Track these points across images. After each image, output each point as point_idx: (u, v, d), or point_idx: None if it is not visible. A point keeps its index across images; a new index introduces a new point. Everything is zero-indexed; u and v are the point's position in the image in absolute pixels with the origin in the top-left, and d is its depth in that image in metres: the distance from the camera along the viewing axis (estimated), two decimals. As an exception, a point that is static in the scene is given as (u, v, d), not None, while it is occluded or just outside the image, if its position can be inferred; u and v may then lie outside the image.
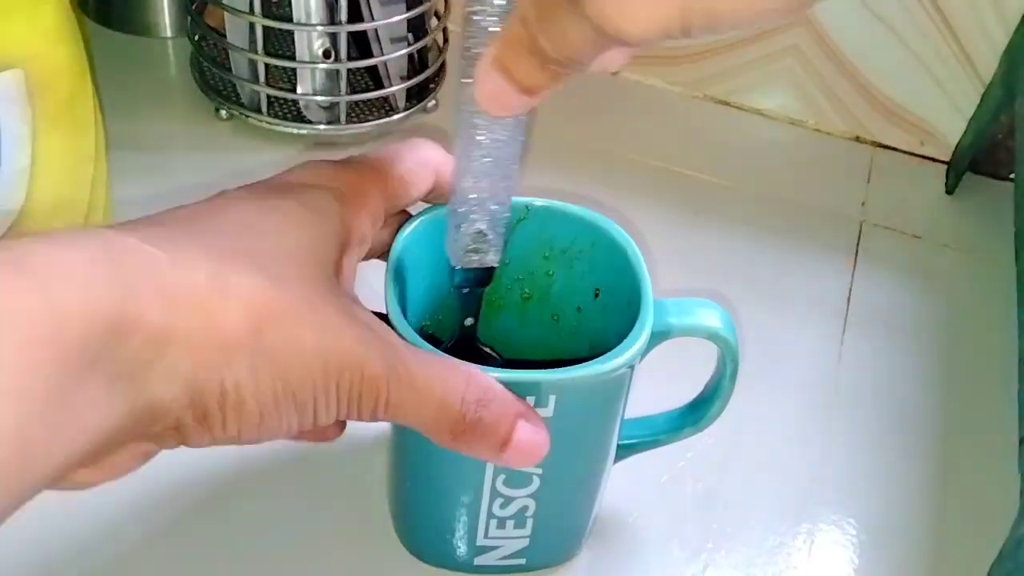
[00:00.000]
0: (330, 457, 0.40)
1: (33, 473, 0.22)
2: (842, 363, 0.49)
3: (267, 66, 0.56)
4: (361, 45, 0.57)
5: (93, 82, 0.45)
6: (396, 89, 0.57)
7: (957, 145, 0.60)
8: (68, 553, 0.38)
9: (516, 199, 0.34)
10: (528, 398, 0.30)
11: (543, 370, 0.31)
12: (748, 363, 0.47)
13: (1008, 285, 0.54)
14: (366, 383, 0.27)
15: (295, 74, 0.56)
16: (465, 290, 0.34)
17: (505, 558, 0.36)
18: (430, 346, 0.30)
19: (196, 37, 0.59)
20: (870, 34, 0.59)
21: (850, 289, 0.53)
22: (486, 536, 0.35)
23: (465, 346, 0.37)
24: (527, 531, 0.35)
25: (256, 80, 0.56)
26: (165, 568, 0.37)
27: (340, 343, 0.27)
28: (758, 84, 0.63)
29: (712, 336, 0.35)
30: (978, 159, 0.59)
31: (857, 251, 0.55)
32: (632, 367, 0.32)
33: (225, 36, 0.55)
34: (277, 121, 0.56)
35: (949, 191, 0.60)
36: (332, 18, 0.54)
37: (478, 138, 0.29)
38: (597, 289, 0.37)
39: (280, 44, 0.59)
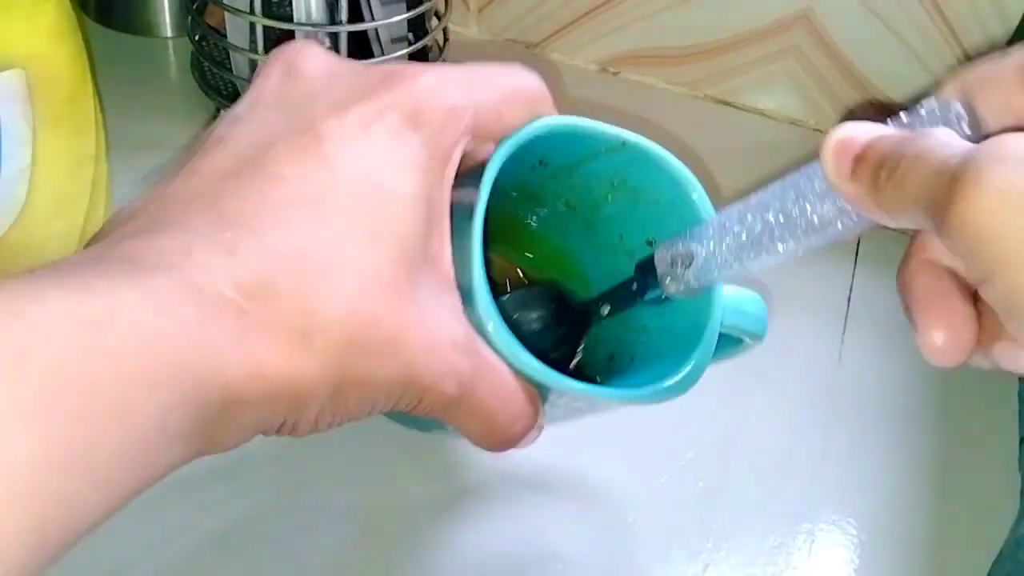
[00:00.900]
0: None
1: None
2: (842, 363, 0.49)
3: (267, 66, 0.55)
4: (361, 45, 0.57)
5: (93, 82, 0.45)
6: (396, 89, 0.57)
7: (957, 145, 0.60)
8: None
9: (611, 129, 0.34)
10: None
11: (601, 387, 0.30)
12: (748, 363, 0.47)
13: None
14: (436, 404, 0.26)
15: (295, 74, 0.56)
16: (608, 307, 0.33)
17: None
18: (518, 345, 0.28)
19: (196, 37, 0.59)
20: (870, 34, 0.59)
21: (850, 289, 0.53)
22: None
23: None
24: None
25: (256, 80, 0.56)
26: None
27: (421, 370, 0.25)
28: (758, 84, 0.63)
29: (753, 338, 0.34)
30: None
31: (857, 251, 0.55)
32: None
33: (226, 36, 0.55)
34: (277, 121, 0.56)
35: (949, 191, 0.60)
36: (332, 18, 0.54)
37: (797, 202, 0.29)
38: (651, 240, 0.34)
39: (280, 44, 0.59)
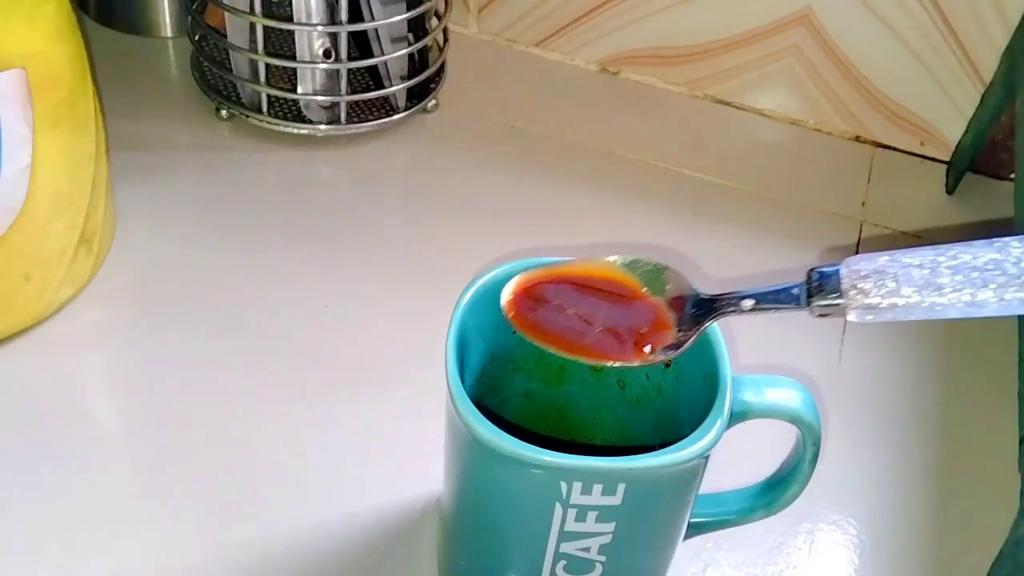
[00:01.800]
0: (378, 535, 0.40)
1: None
2: (842, 363, 0.49)
3: (267, 66, 0.56)
4: (361, 45, 0.57)
5: (93, 82, 0.45)
6: (396, 89, 0.57)
7: (957, 145, 0.60)
8: None
9: (587, 261, 0.34)
10: (596, 485, 0.29)
11: (613, 458, 0.29)
12: (748, 363, 0.47)
13: (1008, 285, 0.54)
14: None
15: (295, 74, 0.56)
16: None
17: None
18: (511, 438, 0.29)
19: (196, 37, 0.59)
20: (870, 34, 0.59)
21: (850, 289, 0.53)
22: None
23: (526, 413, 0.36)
24: None
25: (256, 80, 0.56)
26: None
27: None
28: (758, 84, 0.63)
29: (794, 419, 0.33)
30: (978, 159, 0.59)
31: (857, 251, 0.55)
32: (707, 457, 0.30)
33: (225, 36, 0.55)
34: (277, 121, 0.56)
35: (949, 191, 0.60)
36: (332, 18, 0.54)
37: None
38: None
39: (280, 44, 0.59)
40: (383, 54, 0.56)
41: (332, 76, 0.56)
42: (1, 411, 0.42)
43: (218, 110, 0.58)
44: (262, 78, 0.56)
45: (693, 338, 0.31)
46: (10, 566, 0.37)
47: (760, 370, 0.45)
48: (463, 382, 0.30)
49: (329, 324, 0.48)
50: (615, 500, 0.30)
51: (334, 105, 0.57)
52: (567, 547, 0.31)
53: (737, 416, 0.31)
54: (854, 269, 0.29)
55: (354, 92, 0.58)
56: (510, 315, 0.32)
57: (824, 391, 0.47)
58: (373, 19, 0.55)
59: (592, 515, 0.30)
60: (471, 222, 0.54)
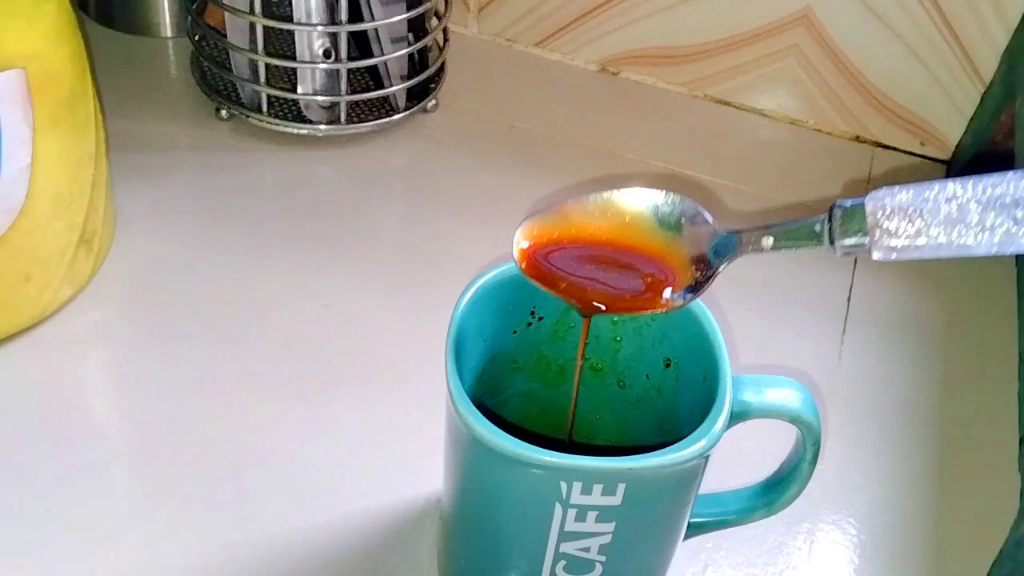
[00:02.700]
0: (378, 535, 0.40)
1: None
2: (842, 363, 0.49)
3: (267, 66, 0.56)
4: (361, 45, 0.57)
5: (93, 82, 0.45)
6: (396, 89, 0.57)
7: (957, 145, 0.60)
8: None
9: None
10: (596, 485, 0.29)
11: (612, 458, 0.29)
12: (748, 363, 0.47)
13: (1008, 285, 0.54)
14: None
15: (295, 74, 0.56)
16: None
17: None
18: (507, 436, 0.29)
19: (196, 37, 0.59)
20: (870, 34, 0.59)
21: (850, 289, 0.53)
22: None
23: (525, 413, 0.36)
24: None
25: (256, 80, 0.56)
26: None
27: None
28: (758, 84, 0.63)
29: (794, 419, 0.33)
30: (978, 159, 0.59)
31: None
32: (707, 457, 0.30)
33: (225, 36, 0.55)
34: (277, 121, 0.56)
35: (949, 191, 0.60)
36: (332, 18, 0.54)
37: None
38: (668, 359, 0.35)
39: (280, 44, 0.59)
40: (383, 54, 0.56)
41: (332, 76, 0.56)
42: (1, 411, 0.42)
43: (218, 110, 0.58)
44: (262, 78, 0.56)
45: (712, 279, 0.30)
46: (10, 566, 0.37)
47: (760, 370, 0.45)
48: (463, 382, 0.30)
49: (329, 324, 0.48)
50: (615, 500, 0.30)
51: (334, 105, 0.57)
52: (567, 547, 0.31)
53: (737, 416, 0.31)
54: (880, 205, 0.27)
55: (354, 92, 0.58)
56: (522, 265, 0.31)
57: (824, 391, 0.47)
58: (373, 19, 0.55)
59: (592, 515, 0.30)
60: (471, 222, 0.54)
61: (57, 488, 0.40)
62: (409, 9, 0.55)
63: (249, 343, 0.46)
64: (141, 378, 0.44)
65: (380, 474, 0.41)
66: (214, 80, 0.59)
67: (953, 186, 0.26)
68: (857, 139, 0.63)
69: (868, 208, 0.27)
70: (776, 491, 0.35)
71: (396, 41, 0.57)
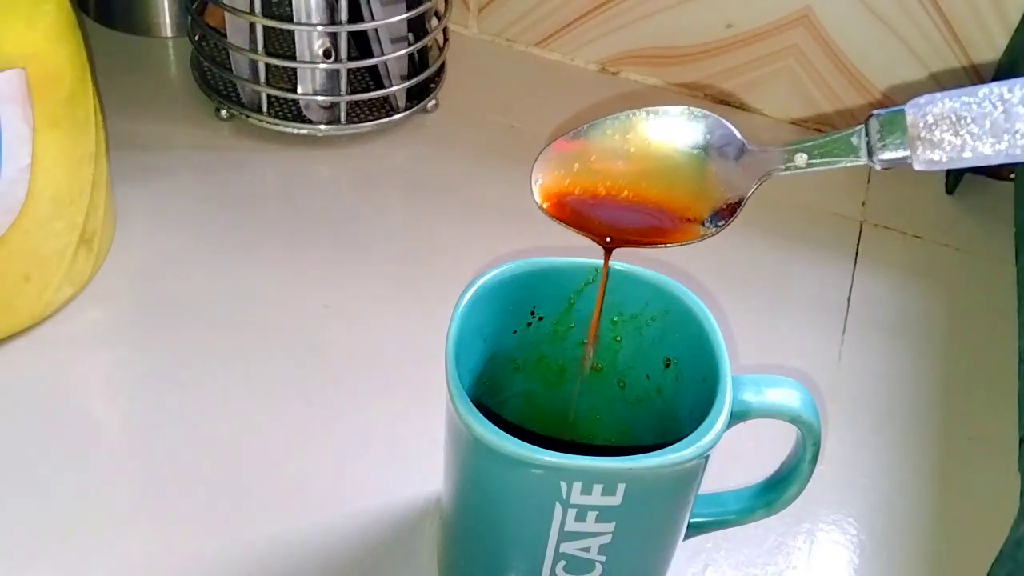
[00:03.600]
0: (378, 535, 0.40)
1: None
2: (842, 363, 0.49)
3: (267, 66, 0.56)
4: (361, 45, 0.57)
5: (93, 82, 0.45)
6: (396, 89, 0.57)
7: (957, 145, 0.60)
8: None
9: (587, 261, 0.33)
10: (596, 485, 0.29)
11: (612, 458, 0.29)
12: (748, 363, 0.47)
13: (1008, 285, 0.54)
14: None
15: (295, 74, 0.56)
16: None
17: None
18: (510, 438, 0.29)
19: (196, 37, 0.59)
20: (870, 34, 0.59)
21: (850, 289, 0.53)
22: None
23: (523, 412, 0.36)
24: None
25: (256, 80, 0.56)
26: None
27: None
28: (758, 84, 0.63)
29: (794, 419, 0.33)
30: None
31: (857, 251, 0.55)
32: (707, 457, 0.30)
33: (225, 36, 0.55)
34: (277, 121, 0.56)
35: (949, 191, 0.60)
36: (332, 18, 0.54)
37: None
38: (668, 359, 0.35)
39: (280, 44, 0.59)
40: (383, 54, 0.56)
41: (332, 76, 0.56)
42: (1, 411, 0.42)
43: (218, 110, 0.58)
44: (262, 78, 0.56)
45: (745, 201, 0.29)
46: (10, 566, 0.37)
47: (760, 370, 0.45)
48: (463, 382, 0.30)
49: (329, 324, 0.48)
50: (615, 500, 0.30)
51: (334, 105, 0.57)
52: (567, 547, 0.31)
53: (737, 416, 0.31)
54: (921, 114, 0.26)
55: (354, 92, 0.58)
56: (545, 204, 0.30)
57: (824, 391, 0.47)
58: (373, 19, 0.55)
59: (592, 515, 0.30)
60: (471, 222, 0.54)
61: (57, 488, 0.40)
62: (409, 9, 0.55)
63: (249, 343, 0.46)
64: (141, 378, 0.44)
65: (380, 474, 0.41)
66: (214, 80, 0.59)
67: (999, 89, 0.25)
68: (857, 139, 0.63)
69: (909, 118, 0.26)
70: (776, 491, 0.35)
71: (396, 41, 0.57)
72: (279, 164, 0.56)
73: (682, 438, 0.29)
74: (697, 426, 0.30)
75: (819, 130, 0.63)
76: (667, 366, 0.35)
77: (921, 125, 0.26)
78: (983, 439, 0.46)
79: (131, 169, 0.53)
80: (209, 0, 0.55)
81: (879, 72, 0.60)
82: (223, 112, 0.58)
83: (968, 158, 0.25)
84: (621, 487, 0.29)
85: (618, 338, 0.36)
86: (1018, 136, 0.25)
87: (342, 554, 0.39)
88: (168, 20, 0.64)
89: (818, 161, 0.28)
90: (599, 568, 0.32)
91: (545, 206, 0.30)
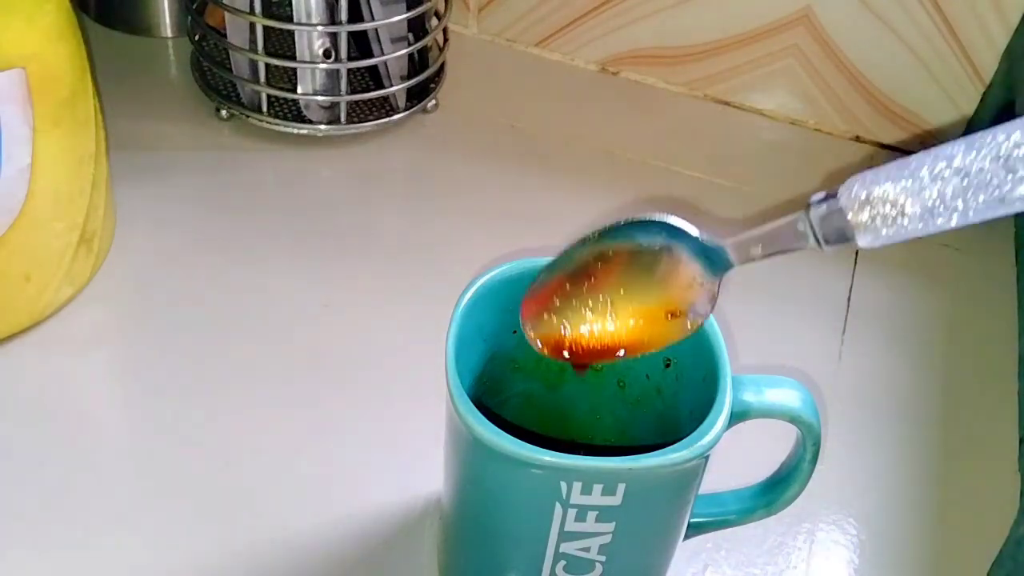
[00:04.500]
0: (378, 535, 0.40)
1: None
2: (842, 363, 0.49)
3: (267, 66, 0.56)
4: (361, 45, 0.57)
5: (93, 82, 0.45)
6: (396, 89, 0.57)
7: (957, 145, 0.60)
8: None
9: None
10: (596, 485, 0.29)
11: (612, 458, 0.29)
12: (748, 363, 0.47)
13: (1008, 285, 0.54)
14: None
15: (295, 74, 0.56)
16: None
17: None
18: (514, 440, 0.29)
19: (196, 37, 0.59)
20: (870, 34, 0.59)
21: (850, 289, 0.53)
22: None
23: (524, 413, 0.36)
24: None
25: (256, 80, 0.56)
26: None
27: None
28: (758, 84, 0.63)
29: (794, 419, 0.33)
30: (978, 159, 0.59)
31: (857, 251, 0.55)
32: (707, 457, 0.30)
33: (225, 36, 0.55)
34: (277, 121, 0.56)
35: (949, 191, 0.60)
36: (332, 18, 0.54)
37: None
38: (668, 359, 0.35)
39: (280, 44, 0.59)
40: (383, 54, 0.56)
41: (332, 76, 0.56)
42: (1, 411, 0.42)
43: (218, 110, 0.58)
44: (262, 78, 0.56)
45: (716, 297, 0.30)
46: (10, 566, 0.37)
47: (760, 370, 0.45)
48: (463, 382, 0.30)
49: (329, 324, 0.48)
50: (615, 500, 0.29)
51: (334, 105, 0.57)
52: (567, 547, 0.31)
53: (737, 416, 0.31)
54: (856, 201, 0.26)
55: (354, 92, 0.58)
56: (545, 351, 0.31)
57: (824, 391, 0.47)
58: (373, 19, 0.55)
59: (592, 515, 0.30)
60: (471, 222, 0.54)
61: (57, 488, 0.40)
62: (409, 9, 0.55)
63: (249, 343, 0.46)
64: (141, 378, 0.44)
65: (380, 474, 0.41)
66: (214, 80, 0.59)
67: (933, 164, 0.25)
68: (857, 139, 0.63)
69: (842, 204, 0.26)
70: (776, 491, 0.35)
71: (396, 41, 0.57)
72: (279, 164, 0.56)
73: (682, 438, 0.29)
74: (697, 426, 0.30)
75: (818, 130, 0.63)
76: (667, 366, 0.35)
77: (858, 210, 0.26)
78: (983, 439, 0.46)
79: (131, 169, 0.53)
80: (209, 0, 0.55)
81: (879, 72, 0.60)
82: (223, 112, 0.57)
83: (914, 233, 0.26)
84: (621, 487, 0.29)
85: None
86: (955, 213, 0.25)
87: (342, 554, 0.39)
88: (168, 20, 0.64)
89: (772, 251, 0.28)
90: (599, 568, 0.32)
91: (546, 351, 0.31)
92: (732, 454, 0.36)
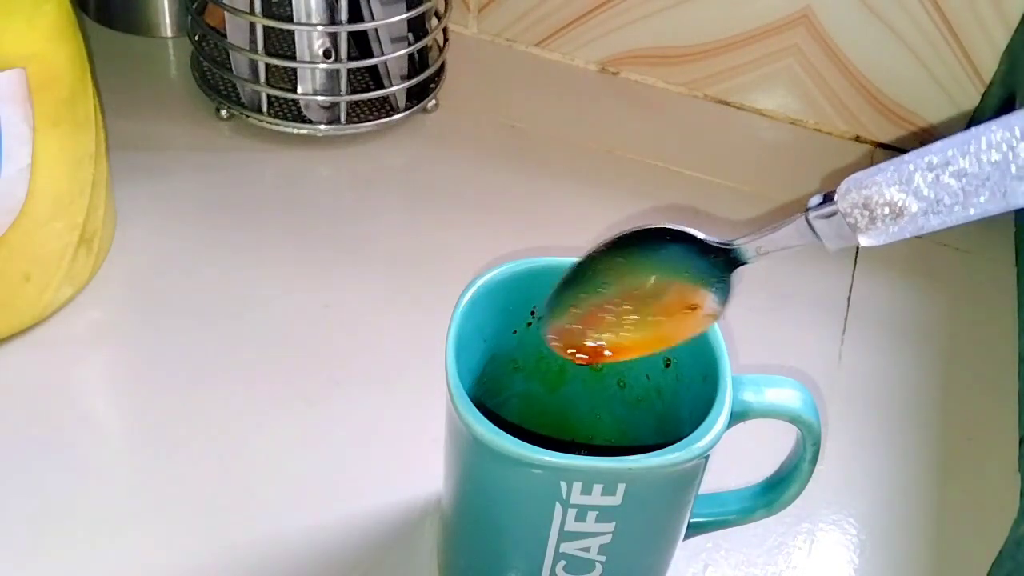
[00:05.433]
0: (378, 535, 0.40)
1: None
2: (842, 363, 0.49)
3: (267, 66, 0.56)
4: (361, 45, 0.57)
5: (93, 82, 0.45)
6: (396, 89, 0.57)
7: (957, 145, 0.60)
8: None
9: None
10: (596, 485, 0.29)
11: (612, 458, 0.29)
12: (748, 363, 0.47)
13: (1008, 285, 0.54)
14: None
15: (295, 74, 0.56)
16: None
17: None
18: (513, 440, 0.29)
19: (196, 37, 0.59)
20: (870, 34, 0.59)
21: (850, 289, 0.53)
22: None
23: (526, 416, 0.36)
24: None
25: (256, 80, 0.56)
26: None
27: None
28: (758, 84, 0.63)
29: (794, 419, 0.33)
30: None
31: (857, 251, 0.55)
32: (707, 457, 0.30)
33: (225, 36, 0.55)
34: (277, 121, 0.56)
35: (949, 191, 0.60)
36: (332, 18, 0.54)
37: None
38: (668, 359, 0.35)
39: (280, 44, 0.59)
40: (383, 54, 0.56)
41: (332, 76, 0.56)
42: (1, 411, 0.42)
43: (218, 110, 0.58)
44: (262, 78, 0.56)
45: (730, 294, 0.30)
46: (10, 566, 0.37)
47: (760, 370, 0.45)
48: (463, 382, 0.30)
49: (329, 324, 0.48)
50: (615, 500, 0.30)
51: (334, 105, 0.57)
52: (567, 547, 0.31)
53: (737, 416, 0.31)
54: (852, 203, 0.26)
55: (354, 92, 0.58)
56: (580, 357, 0.32)
57: (824, 391, 0.47)
58: (373, 19, 0.55)
59: (592, 515, 0.30)
60: (471, 222, 0.54)
61: (57, 488, 0.40)
62: (409, 9, 0.55)
63: (249, 343, 0.46)
64: (141, 378, 0.44)
65: (380, 474, 0.41)
66: (214, 80, 0.59)
67: (927, 158, 0.25)
68: (857, 139, 0.63)
69: (841, 208, 0.26)
70: (776, 491, 0.35)
71: (396, 41, 0.57)
72: (279, 164, 0.56)
73: (682, 438, 0.29)
74: (697, 426, 0.30)
75: (818, 130, 0.63)
76: (667, 366, 0.35)
77: (855, 213, 0.26)
78: (983, 439, 0.46)
79: (131, 169, 0.53)
80: (209, 0, 0.55)
81: (879, 72, 0.60)
82: (223, 112, 0.57)
83: (913, 231, 0.26)
84: (621, 487, 0.29)
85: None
86: (954, 209, 0.25)
87: (342, 554, 0.39)
88: (168, 20, 0.64)
89: (775, 250, 0.29)
90: (599, 568, 0.32)
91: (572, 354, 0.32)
92: (732, 454, 0.36)
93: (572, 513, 0.30)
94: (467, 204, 0.55)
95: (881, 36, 0.59)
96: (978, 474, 0.45)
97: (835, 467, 0.44)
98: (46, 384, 0.43)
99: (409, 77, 0.58)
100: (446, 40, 0.62)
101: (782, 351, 0.49)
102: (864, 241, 0.26)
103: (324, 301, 0.49)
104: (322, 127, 0.57)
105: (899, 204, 0.25)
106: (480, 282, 0.33)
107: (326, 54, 0.55)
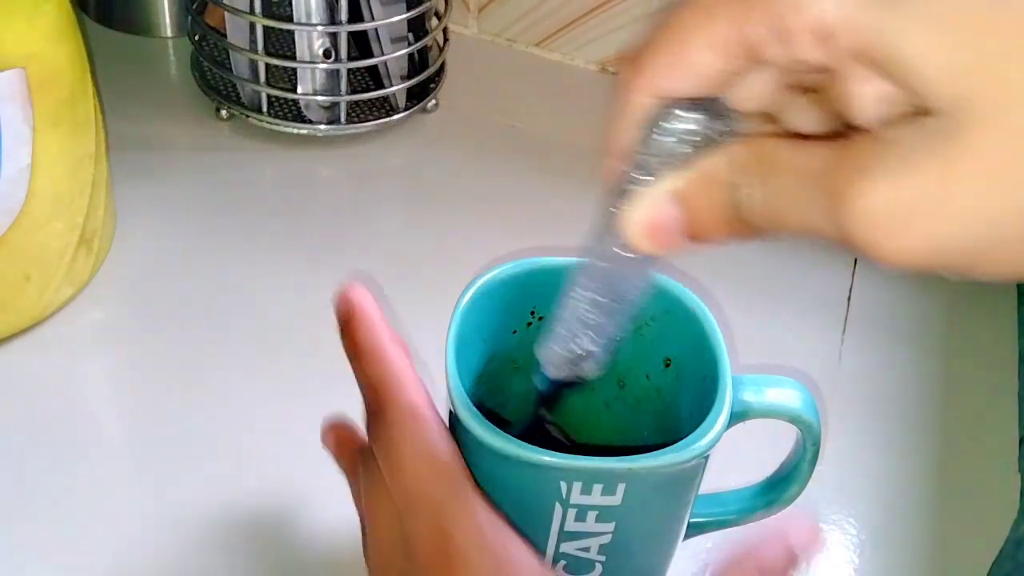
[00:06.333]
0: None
1: None
2: (842, 363, 0.49)
3: (267, 66, 0.56)
4: (361, 45, 0.57)
5: (93, 82, 0.45)
6: (396, 89, 0.57)
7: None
8: None
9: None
10: (596, 485, 0.29)
11: (612, 458, 0.29)
12: (748, 363, 0.47)
13: (1008, 286, 0.54)
14: None
15: (295, 74, 0.56)
16: (549, 392, 0.32)
17: None
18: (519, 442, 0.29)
19: (196, 37, 0.59)
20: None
21: (850, 289, 0.53)
22: None
23: (530, 423, 0.36)
24: None
25: (256, 80, 0.56)
26: None
27: None
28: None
29: (794, 419, 0.32)
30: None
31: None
32: (707, 457, 0.30)
33: (225, 36, 0.55)
34: (277, 121, 0.56)
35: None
36: (332, 18, 0.54)
37: (603, 268, 0.27)
38: (668, 359, 0.35)
39: (280, 44, 0.59)
40: (383, 54, 0.56)
41: (332, 76, 0.56)
42: (1, 411, 0.42)
43: (218, 110, 0.58)
44: (262, 78, 0.56)
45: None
46: (10, 565, 0.37)
47: (760, 370, 0.45)
48: (463, 382, 0.30)
49: (329, 323, 0.47)
50: (615, 500, 0.29)
51: (334, 105, 0.57)
52: (567, 547, 0.31)
53: (737, 416, 0.31)
54: (561, 358, 0.30)
55: (354, 92, 0.58)
56: None
57: (824, 391, 0.47)
58: (373, 19, 0.55)
59: (592, 515, 0.30)
60: (471, 222, 0.54)
61: (57, 487, 0.40)
62: (409, 9, 0.56)
63: (249, 342, 0.46)
64: (141, 377, 0.44)
65: (380, 474, 0.41)
66: (214, 80, 0.59)
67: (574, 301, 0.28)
68: (857, 139, 0.63)
69: (556, 362, 0.30)
70: (776, 491, 0.35)
71: (396, 41, 0.57)
72: (279, 164, 0.56)
73: (682, 438, 0.29)
74: (697, 426, 0.30)
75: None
76: (667, 366, 0.35)
77: (551, 362, 0.30)
78: (983, 439, 0.46)
79: (131, 169, 0.53)
80: (209, 0, 0.55)
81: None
82: (223, 112, 0.58)
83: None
84: (621, 487, 0.29)
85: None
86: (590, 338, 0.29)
87: (342, 554, 0.39)
88: (168, 20, 0.64)
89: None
90: (599, 568, 0.32)
91: None
92: (732, 454, 0.36)
93: (572, 513, 0.30)
94: (467, 204, 0.55)
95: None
96: (978, 474, 0.45)
97: (835, 467, 0.44)
98: (46, 384, 0.43)
99: (409, 77, 0.58)
100: (446, 40, 0.62)
101: (782, 351, 0.49)
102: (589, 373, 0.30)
103: (324, 300, 0.48)
104: (322, 127, 0.57)
105: (588, 349, 0.29)
106: (480, 282, 0.33)
107: (326, 54, 0.55)
